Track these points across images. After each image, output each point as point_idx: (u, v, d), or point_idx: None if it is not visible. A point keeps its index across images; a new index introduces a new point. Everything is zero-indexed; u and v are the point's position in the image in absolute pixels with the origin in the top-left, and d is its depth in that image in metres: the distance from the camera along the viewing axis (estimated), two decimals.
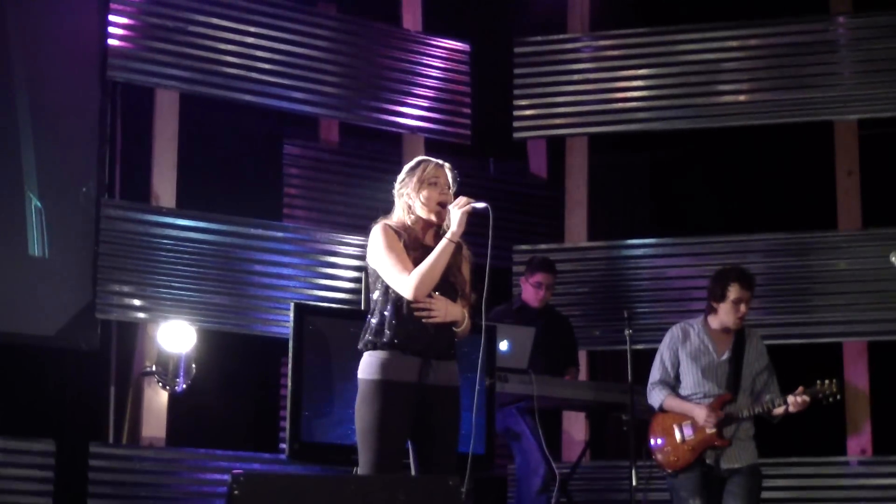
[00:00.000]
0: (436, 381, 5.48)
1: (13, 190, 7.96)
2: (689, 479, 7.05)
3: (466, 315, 5.58)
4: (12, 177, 7.97)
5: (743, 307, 7.12)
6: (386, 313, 5.49)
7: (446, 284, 5.51)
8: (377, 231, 5.55)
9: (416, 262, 5.47)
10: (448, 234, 5.45)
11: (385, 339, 5.46)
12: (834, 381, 6.98)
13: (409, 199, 5.61)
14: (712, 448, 7.02)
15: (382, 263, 5.50)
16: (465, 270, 5.64)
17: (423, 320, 5.46)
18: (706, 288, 7.28)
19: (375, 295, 5.57)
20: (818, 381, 6.97)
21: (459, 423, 5.58)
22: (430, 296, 5.46)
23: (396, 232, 5.54)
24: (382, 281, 5.53)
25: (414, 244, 5.53)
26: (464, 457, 5.50)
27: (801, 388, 6.96)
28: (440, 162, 5.66)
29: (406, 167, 5.69)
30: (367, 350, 5.52)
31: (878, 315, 8.73)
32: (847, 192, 8.97)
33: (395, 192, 5.68)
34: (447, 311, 5.49)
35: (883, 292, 8.67)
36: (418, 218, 5.59)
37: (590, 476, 8.81)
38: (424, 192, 5.57)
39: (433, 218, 5.59)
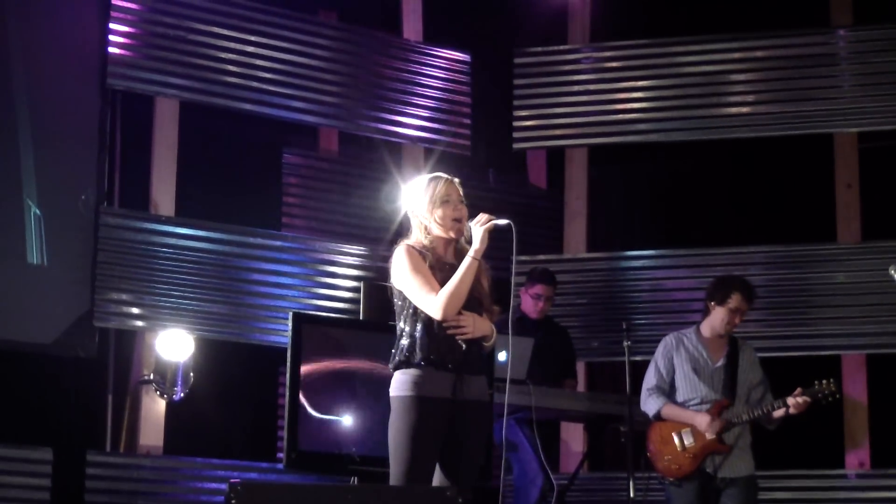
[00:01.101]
0: (468, 396, 5.51)
1: (12, 197, 7.96)
2: (687, 491, 7.05)
3: (493, 328, 5.60)
4: (11, 184, 7.96)
5: (738, 318, 7.14)
6: (417, 333, 5.52)
7: (471, 299, 5.55)
8: (401, 253, 5.58)
9: (443, 282, 5.51)
10: (471, 252, 5.50)
11: (418, 358, 5.49)
12: (832, 380, 6.98)
13: (424, 220, 5.64)
14: (712, 455, 7.02)
15: (410, 286, 5.53)
16: (486, 283, 5.67)
17: (456, 337, 5.48)
18: (706, 291, 7.29)
19: (404, 316, 5.59)
20: (816, 382, 6.97)
21: (486, 438, 5.61)
22: (459, 313, 5.48)
23: (421, 253, 5.57)
24: (410, 302, 5.56)
25: (439, 264, 5.57)
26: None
27: (799, 390, 6.95)
28: (450, 178, 5.69)
29: (417, 187, 5.70)
30: (400, 369, 5.55)
31: (877, 328, 8.73)
32: (846, 204, 8.97)
33: (410, 213, 5.71)
34: (477, 326, 5.53)
35: (882, 305, 8.67)
36: (436, 237, 5.62)
37: (587, 487, 8.79)
38: (439, 212, 5.60)
39: (451, 235, 5.63)
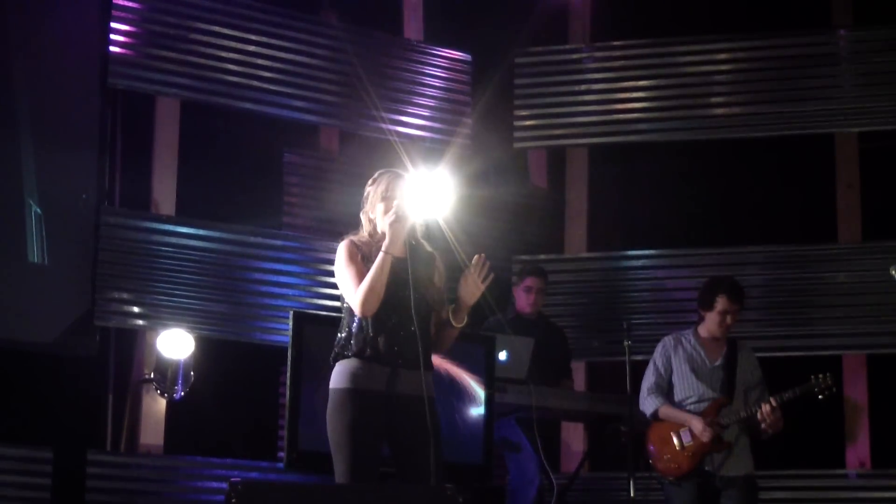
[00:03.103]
0: (405, 391, 5.44)
1: (13, 196, 7.95)
2: (686, 490, 7.05)
3: (456, 315, 5.54)
4: (12, 183, 7.96)
5: (729, 319, 7.15)
6: (353, 327, 5.52)
7: (418, 297, 5.50)
8: (340, 247, 5.60)
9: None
10: (383, 247, 5.45)
11: (353, 350, 5.48)
12: (829, 374, 6.97)
13: (371, 214, 5.65)
14: (712, 454, 7.02)
15: (340, 280, 5.57)
16: (440, 281, 5.65)
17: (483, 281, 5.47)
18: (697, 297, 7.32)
19: (345, 308, 5.60)
20: (813, 376, 6.97)
21: (438, 432, 5.53)
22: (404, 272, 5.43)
23: (358, 247, 5.57)
24: None
25: (375, 257, 5.53)
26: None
27: (772, 400, 6.95)
28: (397, 172, 5.69)
29: (368, 182, 5.70)
30: (337, 361, 5.54)
31: (877, 328, 8.74)
32: (847, 204, 8.97)
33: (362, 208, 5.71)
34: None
35: (882, 305, 8.67)
36: (382, 232, 5.59)
37: (588, 487, 8.80)
38: (380, 206, 5.60)
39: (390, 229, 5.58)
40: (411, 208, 5.51)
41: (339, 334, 5.58)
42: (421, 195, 5.59)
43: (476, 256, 5.50)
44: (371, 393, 5.43)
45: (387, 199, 5.58)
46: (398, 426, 5.43)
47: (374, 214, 5.62)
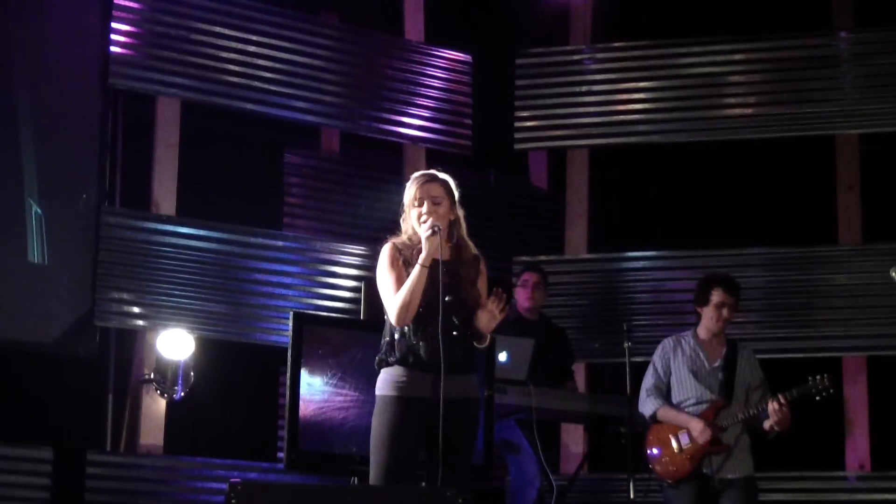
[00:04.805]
0: (450, 395, 5.44)
1: (13, 196, 7.95)
2: (685, 493, 7.04)
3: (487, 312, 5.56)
4: (13, 183, 7.96)
5: (726, 312, 7.16)
6: (395, 333, 5.53)
7: (457, 300, 5.52)
8: (382, 251, 5.63)
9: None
10: (420, 260, 5.46)
11: (396, 357, 5.51)
12: (826, 375, 6.97)
13: (408, 219, 5.66)
14: (710, 456, 7.01)
15: (381, 283, 5.58)
16: (482, 284, 5.65)
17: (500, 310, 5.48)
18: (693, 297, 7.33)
19: (386, 314, 5.60)
20: (811, 377, 6.97)
21: (475, 436, 5.61)
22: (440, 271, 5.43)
23: (399, 250, 5.58)
24: None
25: (415, 262, 5.54)
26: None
27: (780, 397, 6.94)
28: (429, 176, 5.67)
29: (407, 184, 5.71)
30: (381, 368, 5.57)
31: (877, 330, 8.73)
32: (848, 206, 8.96)
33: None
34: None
35: (883, 307, 8.67)
36: (420, 236, 5.60)
37: (587, 489, 8.78)
38: (414, 211, 5.61)
39: (427, 234, 5.57)
40: (444, 217, 5.52)
41: (382, 339, 5.60)
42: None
43: (495, 289, 5.51)
44: (415, 400, 5.47)
45: (421, 202, 5.57)
46: (437, 429, 5.41)
47: (410, 220, 5.62)
